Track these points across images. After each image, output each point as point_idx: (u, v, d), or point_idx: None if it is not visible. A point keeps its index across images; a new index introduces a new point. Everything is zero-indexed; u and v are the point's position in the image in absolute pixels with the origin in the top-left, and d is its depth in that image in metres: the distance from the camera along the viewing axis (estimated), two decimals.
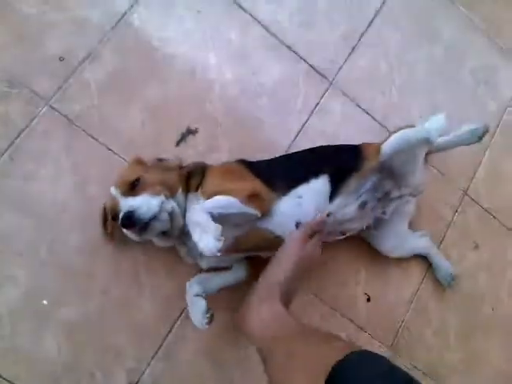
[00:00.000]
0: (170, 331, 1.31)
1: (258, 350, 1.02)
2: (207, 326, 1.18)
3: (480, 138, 1.42)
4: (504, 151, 1.75)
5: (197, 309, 1.19)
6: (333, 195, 1.27)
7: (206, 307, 1.19)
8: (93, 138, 1.33)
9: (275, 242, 1.22)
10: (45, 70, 1.34)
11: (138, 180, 1.15)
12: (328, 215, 1.26)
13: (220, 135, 1.44)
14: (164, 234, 1.17)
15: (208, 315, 1.18)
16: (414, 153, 1.31)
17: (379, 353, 0.77)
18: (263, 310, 1.08)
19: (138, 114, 1.38)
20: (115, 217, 1.14)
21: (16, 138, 1.28)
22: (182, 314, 1.33)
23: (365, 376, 0.71)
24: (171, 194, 1.17)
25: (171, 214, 1.14)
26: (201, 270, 1.30)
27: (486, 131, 1.41)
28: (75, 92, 1.35)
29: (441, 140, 1.43)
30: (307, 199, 1.24)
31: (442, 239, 1.61)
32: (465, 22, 1.82)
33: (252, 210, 1.15)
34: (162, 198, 1.13)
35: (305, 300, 1.43)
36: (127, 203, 1.11)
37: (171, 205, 1.15)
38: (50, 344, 1.23)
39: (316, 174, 1.26)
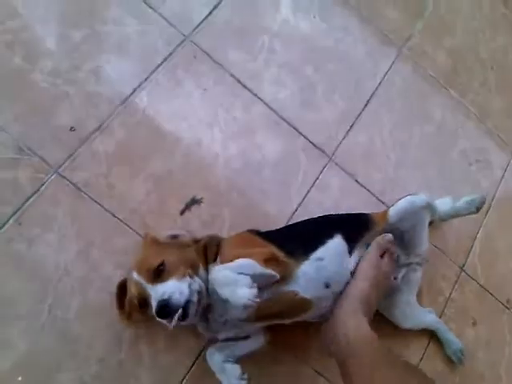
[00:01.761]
0: None
1: (339, 365, 1.09)
2: None
3: (478, 209, 1.50)
4: (497, 228, 1.80)
5: (230, 374, 1.16)
6: (351, 250, 1.31)
7: (241, 370, 1.16)
8: (99, 205, 1.36)
9: (301, 306, 1.22)
10: (55, 139, 1.39)
11: (162, 264, 1.13)
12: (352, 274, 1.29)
13: (223, 205, 1.48)
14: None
15: (245, 376, 1.15)
16: (419, 218, 1.40)
17: None
18: (350, 326, 1.13)
19: (143, 183, 1.42)
20: (143, 304, 1.12)
21: (24, 204, 1.30)
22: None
23: None
24: (194, 272, 1.16)
25: (200, 293, 1.12)
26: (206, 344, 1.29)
27: (483, 202, 1.49)
28: (84, 161, 1.39)
29: (440, 208, 1.51)
30: (328, 260, 1.25)
31: (441, 314, 1.62)
32: (456, 106, 1.94)
33: (271, 272, 1.14)
34: (189, 279, 1.11)
35: (304, 374, 1.41)
36: (158, 291, 1.08)
37: (198, 283, 1.14)
38: None
39: (331, 236, 1.30)
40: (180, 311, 1.05)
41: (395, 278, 1.40)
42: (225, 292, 1.06)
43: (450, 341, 1.55)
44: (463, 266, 1.70)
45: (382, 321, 1.47)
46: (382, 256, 1.29)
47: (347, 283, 1.28)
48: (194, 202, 1.44)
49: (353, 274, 1.29)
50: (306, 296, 1.21)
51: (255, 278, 1.11)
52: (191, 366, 1.32)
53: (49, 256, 1.29)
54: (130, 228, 1.36)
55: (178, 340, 1.32)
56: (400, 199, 1.40)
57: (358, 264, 1.29)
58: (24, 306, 1.24)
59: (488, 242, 1.77)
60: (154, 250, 1.21)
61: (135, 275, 1.13)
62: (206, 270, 1.20)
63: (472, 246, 1.74)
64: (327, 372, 1.44)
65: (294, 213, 1.55)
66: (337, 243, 1.29)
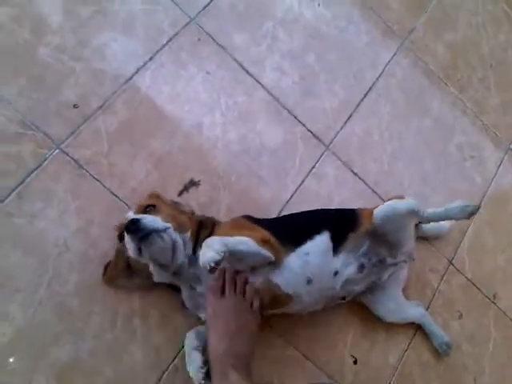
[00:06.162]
0: (159, 380, 1.31)
1: None
2: (203, 382, 1.14)
3: (469, 216, 1.43)
4: (487, 224, 1.84)
5: (193, 362, 1.18)
6: (336, 251, 1.32)
7: (202, 361, 1.17)
8: (100, 182, 1.38)
9: (282, 299, 1.25)
10: (59, 116, 1.40)
11: (153, 206, 1.22)
12: (336, 274, 1.31)
13: (221, 189, 1.50)
14: (162, 266, 1.19)
15: (203, 370, 1.16)
16: (404, 222, 1.39)
17: None
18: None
19: (143, 163, 1.44)
20: (122, 235, 1.18)
21: (26, 178, 1.32)
22: (171, 364, 1.33)
23: None
24: (180, 231, 1.20)
25: (173, 246, 1.17)
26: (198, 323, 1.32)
27: (475, 210, 1.42)
28: (86, 138, 1.41)
29: (431, 212, 1.47)
30: (313, 256, 1.28)
31: (428, 306, 1.65)
32: (454, 101, 1.96)
33: (266, 252, 1.18)
34: (171, 226, 1.17)
35: (292, 358, 1.45)
36: (136, 215, 1.16)
37: (176, 236, 1.18)
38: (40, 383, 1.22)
39: (319, 231, 1.32)
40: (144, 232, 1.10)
41: (379, 279, 1.42)
42: (202, 248, 1.08)
43: (436, 334, 1.58)
44: (452, 259, 1.74)
45: (369, 312, 1.52)
46: (220, 294, 1.20)
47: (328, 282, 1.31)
48: (192, 183, 1.47)
49: (336, 274, 1.31)
50: (287, 290, 1.24)
51: (247, 258, 1.17)
52: (183, 345, 1.34)
53: (49, 231, 1.31)
54: (130, 207, 1.38)
55: (172, 318, 1.35)
56: (384, 203, 1.41)
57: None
58: (23, 280, 1.26)
59: (477, 237, 1.81)
60: (154, 199, 1.30)
61: (129, 213, 1.23)
62: (194, 241, 1.24)
63: (461, 241, 1.77)
64: (315, 356, 1.47)
65: (288, 200, 1.58)
66: (323, 240, 1.31)
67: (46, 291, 1.27)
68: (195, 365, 1.17)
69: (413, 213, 1.37)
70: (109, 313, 1.31)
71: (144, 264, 1.20)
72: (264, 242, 1.19)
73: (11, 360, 1.21)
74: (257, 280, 1.22)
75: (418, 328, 1.61)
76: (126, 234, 1.12)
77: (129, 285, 1.31)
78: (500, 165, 1.96)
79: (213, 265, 1.01)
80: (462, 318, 1.69)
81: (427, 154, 1.84)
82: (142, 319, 1.33)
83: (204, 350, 1.20)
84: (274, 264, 1.22)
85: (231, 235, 1.17)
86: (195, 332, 1.26)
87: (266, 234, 1.24)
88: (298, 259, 1.26)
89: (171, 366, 1.33)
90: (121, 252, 1.25)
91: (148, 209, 1.23)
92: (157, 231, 1.12)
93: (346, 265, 1.33)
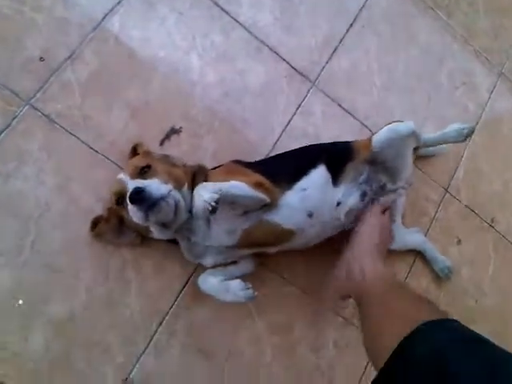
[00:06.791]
0: (159, 326, 1.30)
1: (357, 301, 1.12)
2: (256, 293, 1.19)
3: (465, 138, 1.48)
4: (482, 150, 1.80)
5: (235, 288, 1.19)
6: (335, 182, 1.31)
7: (241, 280, 1.19)
8: (75, 137, 1.32)
9: (284, 236, 1.24)
10: (25, 71, 1.32)
11: (148, 167, 1.16)
12: (338, 204, 1.31)
13: (204, 134, 1.44)
14: (164, 225, 1.16)
15: (249, 285, 1.19)
16: (403, 146, 1.36)
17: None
18: (365, 262, 1.17)
19: (120, 113, 1.37)
20: (120, 200, 1.14)
21: None
22: (170, 308, 1.32)
23: (446, 339, 0.74)
24: (178, 187, 1.16)
25: (177, 205, 1.13)
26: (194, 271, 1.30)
27: (471, 131, 1.49)
28: (57, 92, 1.33)
29: (428, 135, 1.50)
30: (312, 190, 1.26)
31: (426, 234, 1.64)
32: (442, 27, 1.88)
33: (261, 195, 1.16)
34: (171, 186, 1.13)
35: (291, 294, 1.45)
36: (137, 183, 1.10)
37: (178, 195, 1.14)
38: (38, 341, 1.21)
39: (314, 165, 1.29)
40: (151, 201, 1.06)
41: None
42: (195, 196, 1.06)
43: (437, 259, 1.59)
44: (447, 187, 1.71)
45: None
46: (383, 212, 1.34)
47: (333, 213, 1.31)
48: (174, 131, 1.40)
49: (339, 204, 1.30)
50: (288, 226, 1.23)
51: (242, 202, 1.15)
52: (180, 291, 1.33)
53: (27, 192, 1.26)
54: (109, 160, 1.33)
55: (166, 266, 1.33)
56: (383, 127, 1.35)
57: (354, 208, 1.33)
58: (4, 243, 1.22)
59: (472, 163, 1.77)
60: (146, 158, 1.25)
61: (121, 175, 1.16)
62: (191, 195, 1.19)
63: (457, 168, 1.74)
64: (313, 291, 1.46)
65: (277, 140, 1.52)
66: (320, 173, 1.29)
67: (30, 253, 1.23)
68: (239, 287, 1.18)
69: (413, 134, 1.35)
70: (99, 267, 1.28)
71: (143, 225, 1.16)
72: (257, 186, 1.17)
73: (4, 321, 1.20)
74: (248, 221, 1.20)
75: (416, 255, 1.61)
76: (130, 203, 1.07)
77: (118, 241, 1.28)
78: (493, 90, 1.89)
79: (214, 204, 1.01)
80: (461, 244, 1.69)
81: (417, 83, 1.77)
82: (135, 270, 1.31)
83: None
84: (270, 206, 1.20)
85: (225, 180, 1.14)
86: (210, 273, 1.25)
87: (258, 177, 1.21)
88: (295, 196, 1.24)
89: (170, 312, 1.32)
90: (115, 210, 1.21)
91: (143, 170, 1.16)
92: (163, 198, 1.08)
93: (348, 194, 1.32)
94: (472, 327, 1.59)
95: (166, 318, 1.31)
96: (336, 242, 1.38)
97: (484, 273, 1.70)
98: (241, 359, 1.36)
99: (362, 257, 1.20)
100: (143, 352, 1.28)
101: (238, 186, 1.13)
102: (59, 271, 1.25)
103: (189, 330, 1.33)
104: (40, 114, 1.30)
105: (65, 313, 1.24)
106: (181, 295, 1.32)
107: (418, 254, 1.60)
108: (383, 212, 1.34)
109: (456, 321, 0.81)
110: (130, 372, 1.26)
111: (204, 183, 1.10)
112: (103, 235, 1.26)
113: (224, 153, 1.42)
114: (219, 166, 1.32)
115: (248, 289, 1.18)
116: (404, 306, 0.93)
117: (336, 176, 1.31)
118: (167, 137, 1.39)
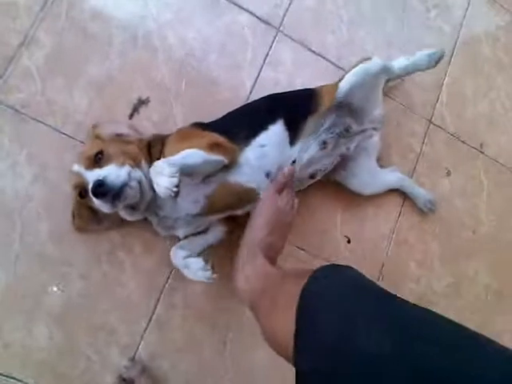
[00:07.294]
0: (158, 302, 1.33)
1: (250, 309, 1.02)
2: (215, 276, 1.18)
3: (436, 63, 1.43)
4: (463, 73, 1.73)
5: (194, 267, 1.19)
6: (292, 140, 1.26)
7: (203, 261, 1.19)
8: (43, 123, 1.30)
9: (247, 196, 1.22)
10: None
11: (100, 153, 1.13)
12: (293, 162, 1.26)
13: (173, 101, 1.41)
14: (132, 207, 1.16)
15: (209, 267, 1.18)
16: (374, 84, 1.32)
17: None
18: (247, 268, 1.08)
19: (83, 93, 1.35)
20: (83, 193, 1.13)
21: None
22: (166, 283, 1.34)
23: (331, 288, 0.71)
24: (135, 165, 1.14)
25: (140, 184, 1.12)
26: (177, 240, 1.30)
27: (442, 56, 1.42)
28: (16, 80, 1.31)
29: (397, 66, 1.42)
30: (270, 147, 1.23)
31: (414, 170, 1.61)
32: None
33: (217, 157, 1.13)
34: (128, 167, 1.11)
35: (286, 252, 1.43)
36: (94, 174, 1.08)
37: (138, 174, 1.13)
38: (41, 332, 1.24)
39: (273, 120, 1.25)
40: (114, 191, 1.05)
41: (347, 149, 1.36)
42: (153, 182, 1.03)
43: (417, 194, 1.56)
44: (431, 117, 1.66)
45: (351, 191, 1.48)
46: (280, 192, 1.19)
47: None
48: (141, 103, 1.38)
49: (294, 162, 1.26)
50: (249, 185, 1.21)
51: (200, 169, 1.12)
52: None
53: (6, 187, 1.26)
54: (80, 142, 1.31)
55: (155, 242, 1.34)
56: (350, 70, 1.30)
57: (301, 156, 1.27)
58: None
59: (455, 88, 1.70)
60: (96, 143, 1.21)
61: (75, 166, 1.13)
62: (149, 167, 1.16)
63: (438, 96, 1.68)
64: (308, 245, 1.47)
65: (249, 95, 1.48)
66: (278, 129, 1.25)
67: (20, 246, 1.25)
68: (198, 267, 1.19)
69: (385, 69, 1.31)
70: (90, 251, 1.30)
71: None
72: (213, 147, 1.14)
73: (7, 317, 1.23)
74: (210, 187, 1.18)
75: (405, 195, 1.58)
76: (93, 197, 1.05)
77: (101, 228, 1.28)
78: (467, 8, 1.79)
79: (175, 189, 0.98)
80: (451, 175, 1.65)
81: (387, 13, 1.68)
82: (126, 250, 1.33)
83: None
84: (230, 165, 1.18)
85: (180, 148, 1.11)
86: (179, 247, 1.25)
87: (214, 137, 1.18)
88: (253, 152, 1.21)
89: (166, 286, 1.34)
90: (81, 203, 1.19)
91: (97, 157, 1.12)
92: (126, 184, 1.07)
93: (303, 151, 1.28)
94: (472, 258, 1.61)
95: (164, 292, 1.33)
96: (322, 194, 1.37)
97: (478, 201, 1.67)
98: (242, 327, 1.38)
99: (243, 266, 1.10)
100: (145, 329, 1.31)
101: (191, 154, 1.10)
102: (51, 260, 1.27)
103: (187, 302, 1.35)
104: (4, 106, 1.28)
105: (64, 302, 1.26)
106: (174, 269, 1.33)
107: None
108: (281, 190, 1.19)
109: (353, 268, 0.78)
110: (135, 351, 1.30)
111: (156, 164, 1.04)
112: (84, 228, 1.27)
113: (196, 116, 1.37)
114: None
115: (208, 270, 1.18)
116: (289, 289, 0.83)
117: (294, 133, 1.27)
118: (135, 109, 1.37)
